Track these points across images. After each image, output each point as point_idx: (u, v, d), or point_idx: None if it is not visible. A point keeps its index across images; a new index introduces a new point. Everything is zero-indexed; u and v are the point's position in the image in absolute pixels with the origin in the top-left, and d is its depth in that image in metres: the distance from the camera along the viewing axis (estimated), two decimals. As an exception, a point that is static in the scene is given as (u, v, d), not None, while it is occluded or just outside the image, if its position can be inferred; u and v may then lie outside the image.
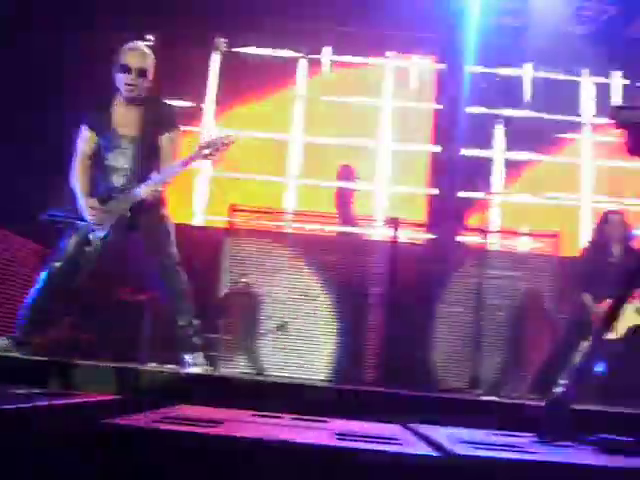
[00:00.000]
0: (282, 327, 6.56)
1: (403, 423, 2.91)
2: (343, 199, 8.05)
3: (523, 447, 2.28)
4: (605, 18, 8.70)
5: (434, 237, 7.12)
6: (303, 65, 8.89)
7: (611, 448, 2.20)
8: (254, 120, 8.56)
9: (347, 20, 8.50)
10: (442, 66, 8.29)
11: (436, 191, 8.07)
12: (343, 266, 6.89)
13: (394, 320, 6.56)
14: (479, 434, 2.74)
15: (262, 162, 8.62)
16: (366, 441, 2.04)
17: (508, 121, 8.81)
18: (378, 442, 2.04)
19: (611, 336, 6.06)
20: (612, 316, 2.41)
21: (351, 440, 2.06)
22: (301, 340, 6.77)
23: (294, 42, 8.78)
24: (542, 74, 8.93)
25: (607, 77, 9.00)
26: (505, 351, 6.76)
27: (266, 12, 8.17)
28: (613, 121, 2.40)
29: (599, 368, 6.33)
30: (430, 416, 3.39)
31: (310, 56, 8.89)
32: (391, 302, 6.65)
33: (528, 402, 4.16)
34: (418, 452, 1.86)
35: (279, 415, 2.88)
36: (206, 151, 4.46)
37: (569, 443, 2.40)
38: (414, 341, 6.58)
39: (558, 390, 2.57)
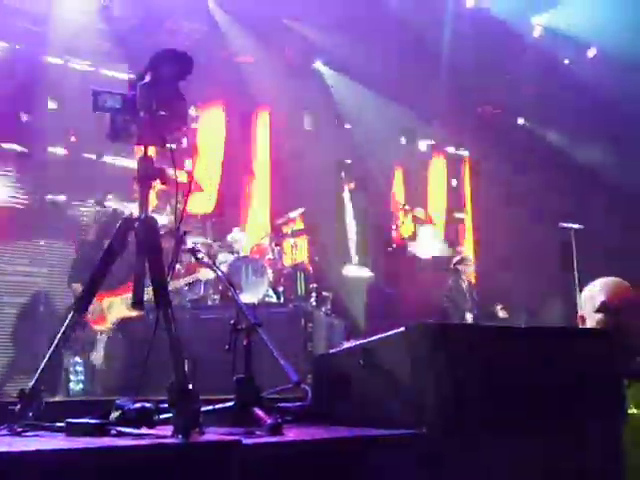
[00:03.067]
0: None
1: None
2: None
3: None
4: (133, 21, 9.01)
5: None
6: None
7: (75, 431, 2.19)
8: None
9: None
10: None
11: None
12: None
13: None
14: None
15: None
16: None
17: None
18: None
19: (102, 327, 6.26)
20: (78, 306, 2.43)
21: None
22: None
23: None
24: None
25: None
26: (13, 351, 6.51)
27: None
28: (92, 105, 2.40)
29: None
30: None
31: None
32: None
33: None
34: None
35: None
36: None
37: (39, 432, 2.32)
38: None
39: (32, 381, 2.47)
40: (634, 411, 2.90)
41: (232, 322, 2.67)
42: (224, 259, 7.95)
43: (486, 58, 10.11)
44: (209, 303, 7.76)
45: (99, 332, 6.40)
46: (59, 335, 2.41)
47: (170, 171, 2.41)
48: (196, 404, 2.25)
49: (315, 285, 8.62)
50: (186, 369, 2.36)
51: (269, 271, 8.04)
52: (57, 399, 4.19)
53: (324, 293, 8.84)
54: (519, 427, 2.47)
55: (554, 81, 10.44)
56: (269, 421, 2.43)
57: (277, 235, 9.09)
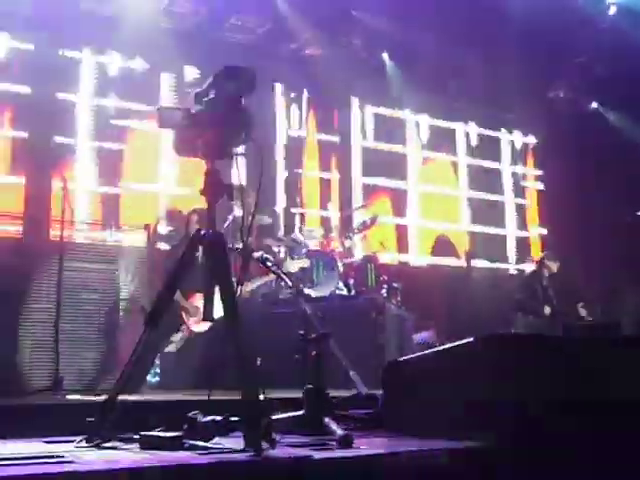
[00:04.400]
0: None
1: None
2: None
3: (65, 457, 2.18)
4: (197, 17, 9.07)
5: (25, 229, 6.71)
6: None
7: (149, 443, 2.24)
8: None
9: None
10: None
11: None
12: None
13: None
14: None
15: None
16: None
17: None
18: None
19: (202, 327, 6.31)
20: (152, 321, 2.46)
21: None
22: None
23: None
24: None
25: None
26: (96, 347, 6.66)
27: None
28: (157, 121, 2.43)
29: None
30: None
31: None
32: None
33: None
34: None
35: None
36: None
37: (115, 443, 2.38)
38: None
39: (111, 388, 2.54)
40: None
41: (301, 332, 2.68)
42: (297, 254, 8.03)
43: (559, 39, 9.81)
44: (281, 297, 7.78)
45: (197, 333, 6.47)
46: (136, 350, 2.45)
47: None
48: (267, 417, 2.27)
49: (385, 277, 8.58)
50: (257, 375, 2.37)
51: (339, 264, 8.03)
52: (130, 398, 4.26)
53: (394, 284, 8.79)
54: (594, 443, 2.39)
55: (630, 62, 10.06)
56: (340, 432, 2.43)
57: (346, 227, 9.10)
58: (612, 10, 10.05)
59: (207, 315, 2.41)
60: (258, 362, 6.81)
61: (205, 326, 6.40)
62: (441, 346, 8.69)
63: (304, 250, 7.99)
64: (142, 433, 2.29)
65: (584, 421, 2.40)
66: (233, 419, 2.29)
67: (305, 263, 7.28)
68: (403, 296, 8.68)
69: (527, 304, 8.92)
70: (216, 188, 2.42)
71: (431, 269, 10.84)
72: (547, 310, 8.81)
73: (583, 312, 9.02)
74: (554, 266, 9.20)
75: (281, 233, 8.75)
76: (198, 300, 6.28)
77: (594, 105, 11.63)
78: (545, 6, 9.33)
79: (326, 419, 2.56)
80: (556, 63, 10.52)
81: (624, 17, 9.79)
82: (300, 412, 2.70)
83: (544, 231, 12.04)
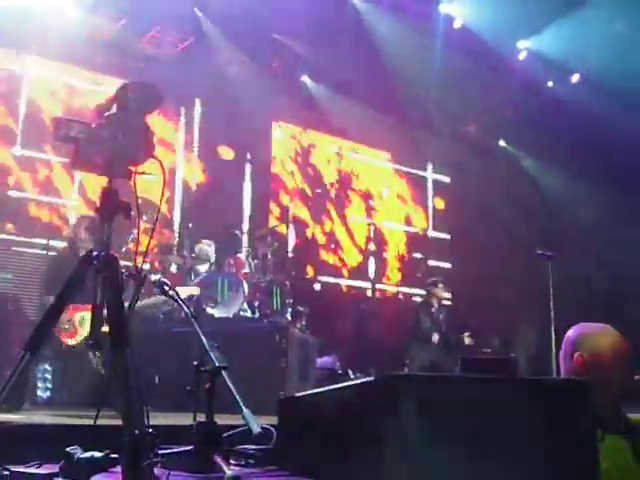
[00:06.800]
0: None
1: None
2: None
3: None
4: (117, 26, 8.84)
5: None
6: None
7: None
8: None
9: None
10: None
11: None
12: None
13: None
14: None
15: None
16: None
17: None
18: None
19: (73, 340, 6.02)
20: (31, 346, 2.29)
21: None
22: None
23: None
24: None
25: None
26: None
27: None
28: (52, 132, 2.27)
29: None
30: None
31: None
32: None
33: None
34: None
35: None
36: None
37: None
38: None
39: None
40: (607, 465, 2.81)
41: (195, 363, 2.55)
42: (202, 270, 7.86)
43: (471, 78, 10.10)
44: (182, 316, 7.58)
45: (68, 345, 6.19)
46: (12, 374, 2.27)
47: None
48: (150, 453, 2.13)
49: (291, 300, 8.52)
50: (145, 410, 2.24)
51: (245, 285, 7.90)
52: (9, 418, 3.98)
53: (299, 308, 8.75)
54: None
55: (537, 104, 10.48)
56: (229, 473, 2.32)
57: (255, 247, 8.99)
58: (522, 55, 10.42)
59: (93, 339, 2.27)
60: (156, 380, 6.66)
61: (75, 339, 6.10)
62: (342, 372, 8.72)
63: (204, 270, 7.81)
64: (12, 469, 2.11)
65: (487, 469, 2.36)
66: (114, 456, 2.14)
67: (195, 291, 7.10)
68: (308, 320, 8.65)
69: (417, 332, 9.04)
70: (112, 207, 2.28)
71: (337, 293, 10.88)
72: (435, 337, 8.94)
73: (468, 341, 9.17)
74: (443, 293, 9.39)
75: (186, 248, 8.52)
76: (76, 314, 6.01)
77: (501, 143, 12.04)
78: (460, 47, 9.62)
79: (216, 457, 2.43)
80: (467, 101, 10.83)
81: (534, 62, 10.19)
82: (189, 447, 2.57)
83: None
